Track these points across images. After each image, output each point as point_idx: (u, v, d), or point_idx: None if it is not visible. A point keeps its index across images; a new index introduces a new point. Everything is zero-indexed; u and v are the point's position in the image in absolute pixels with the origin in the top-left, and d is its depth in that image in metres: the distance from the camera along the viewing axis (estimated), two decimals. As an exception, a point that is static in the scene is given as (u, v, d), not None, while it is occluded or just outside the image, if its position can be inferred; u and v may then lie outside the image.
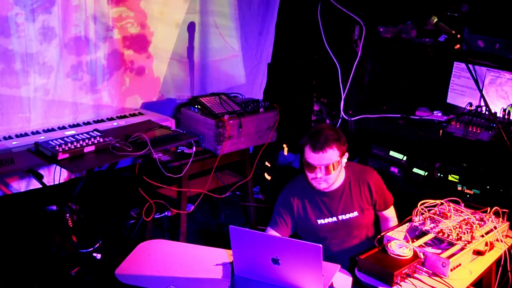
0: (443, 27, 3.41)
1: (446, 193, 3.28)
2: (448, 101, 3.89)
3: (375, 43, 3.97)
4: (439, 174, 3.60)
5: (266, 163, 4.66)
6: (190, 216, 4.08)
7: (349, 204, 3.07)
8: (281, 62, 4.77)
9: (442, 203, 3.00)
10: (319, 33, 4.06)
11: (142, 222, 4.10)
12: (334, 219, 3.05)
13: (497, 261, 2.81)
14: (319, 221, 3.04)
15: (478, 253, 2.77)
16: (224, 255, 2.77)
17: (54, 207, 3.84)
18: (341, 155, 2.96)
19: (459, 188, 3.51)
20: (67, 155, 3.24)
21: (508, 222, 2.96)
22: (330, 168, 2.91)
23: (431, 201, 2.97)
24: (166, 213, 4.25)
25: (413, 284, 2.52)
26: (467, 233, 2.74)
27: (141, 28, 4.14)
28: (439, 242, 2.78)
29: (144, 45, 4.22)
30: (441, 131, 3.52)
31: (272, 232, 3.02)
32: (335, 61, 4.02)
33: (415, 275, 2.57)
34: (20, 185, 3.76)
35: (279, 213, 3.05)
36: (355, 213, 3.08)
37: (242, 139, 4.10)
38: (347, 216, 3.07)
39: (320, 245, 2.35)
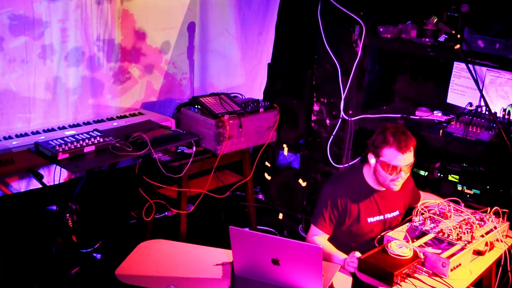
0: (443, 27, 3.40)
1: (446, 193, 3.29)
2: (448, 101, 3.88)
3: (375, 43, 3.97)
4: (439, 174, 3.60)
5: (266, 163, 4.65)
6: (190, 216, 4.07)
7: (394, 203, 3.09)
8: (281, 62, 4.76)
9: (442, 203, 3.00)
10: (319, 33, 4.05)
11: (142, 222, 4.10)
12: (381, 217, 3.07)
13: (497, 261, 2.82)
14: (369, 219, 3.04)
15: (478, 253, 2.77)
16: (224, 255, 2.77)
17: (54, 207, 3.84)
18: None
19: (459, 188, 3.51)
20: (67, 155, 3.24)
21: (508, 222, 2.96)
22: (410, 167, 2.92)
23: (431, 201, 2.98)
24: (166, 213, 4.25)
25: (413, 284, 2.52)
26: (467, 233, 2.74)
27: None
28: (439, 242, 2.78)
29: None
30: (441, 131, 3.52)
31: (318, 231, 2.99)
32: (335, 61, 4.02)
33: (415, 275, 2.58)
34: (20, 185, 3.75)
35: (330, 214, 2.99)
36: (397, 212, 3.11)
37: (242, 139, 4.10)
38: (392, 214, 3.09)
39: (320, 247, 2.35)
